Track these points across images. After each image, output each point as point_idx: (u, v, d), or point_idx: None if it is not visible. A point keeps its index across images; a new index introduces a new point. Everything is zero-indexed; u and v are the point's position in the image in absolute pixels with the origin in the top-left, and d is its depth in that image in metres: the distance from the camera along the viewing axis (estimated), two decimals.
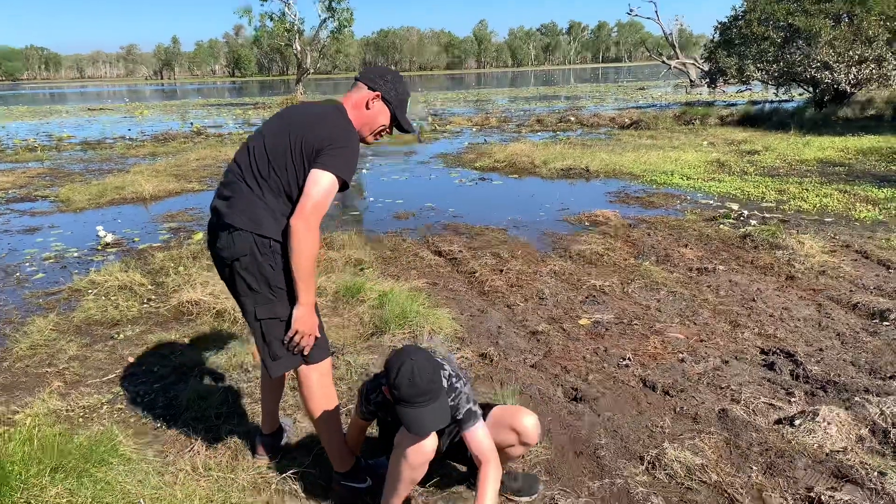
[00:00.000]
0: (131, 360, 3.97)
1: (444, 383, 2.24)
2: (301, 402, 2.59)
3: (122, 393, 3.55)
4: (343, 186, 2.35)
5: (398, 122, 2.53)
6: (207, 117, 27.45)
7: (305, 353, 2.42)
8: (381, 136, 2.56)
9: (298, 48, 39.45)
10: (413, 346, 2.22)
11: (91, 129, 22.58)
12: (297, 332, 2.36)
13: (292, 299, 2.36)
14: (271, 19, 40.07)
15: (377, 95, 2.44)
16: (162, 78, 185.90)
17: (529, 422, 2.39)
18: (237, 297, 2.46)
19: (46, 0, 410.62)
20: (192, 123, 23.58)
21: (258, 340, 2.45)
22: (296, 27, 39.39)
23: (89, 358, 4.01)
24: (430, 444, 2.17)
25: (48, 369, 3.86)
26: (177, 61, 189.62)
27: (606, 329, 4.25)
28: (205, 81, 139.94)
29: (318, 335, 2.44)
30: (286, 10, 39.39)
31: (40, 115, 31.63)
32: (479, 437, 2.29)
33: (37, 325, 4.43)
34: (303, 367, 2.47)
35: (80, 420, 3.24)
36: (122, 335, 4.33)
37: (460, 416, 2.29)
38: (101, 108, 36.09)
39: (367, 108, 2.44)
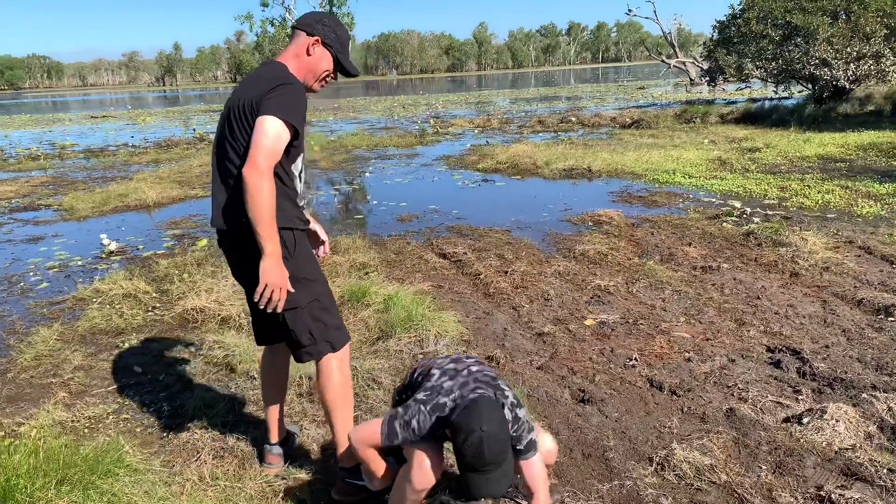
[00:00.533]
0: (137, 369, 3.97)
1: (508, 415, 2.13)
2: (318, 391, 2.58)
3: (127, 402, 3.55)
4: (294, 134, 2.27)
5: (342, 66, 2.48)
6: (210, 123, 27.48)
7: (279, 308, 2.30)
8: (327, 82, 2.51)
9: None
10: (485, 405, 2.04)
11: (94, 136, 22.64)
12: (266, 287, 2.23)
13: (306, 283, 2.40)
14: (272, 25, 40.31)
15: (316, 40, 2.40)
16: (164, 84, 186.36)
17: (551, 445, 2.39)
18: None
19: (48, 9, 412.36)
20: (194, 129, 23.63)
21: (283, 330, 2.49)
22: None
23: (94, 368, 4.01)
24: (435, 476, 2.15)
25: (53, 380, 3.86)
26: (179, 68, 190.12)
27: (612, 329, 4.24)
28: (207, 87, 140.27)
29: (290, 289, 2.32)
30: (287, 15, 39.55)
31: (43, 123, 31.71)
32: (537, 469, 2.23)
33: (41, 335, 4.43)
34: (325, 356, 2.49)
35: (86, 431, 3.24)
36: (127, 344, 4.33)
37: (521, 447, 2.19)
38: (103, 116, 36.17)
39: (308, 54, 2.41)
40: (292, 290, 2.33)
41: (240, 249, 2.40)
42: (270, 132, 2.18)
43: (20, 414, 3.43)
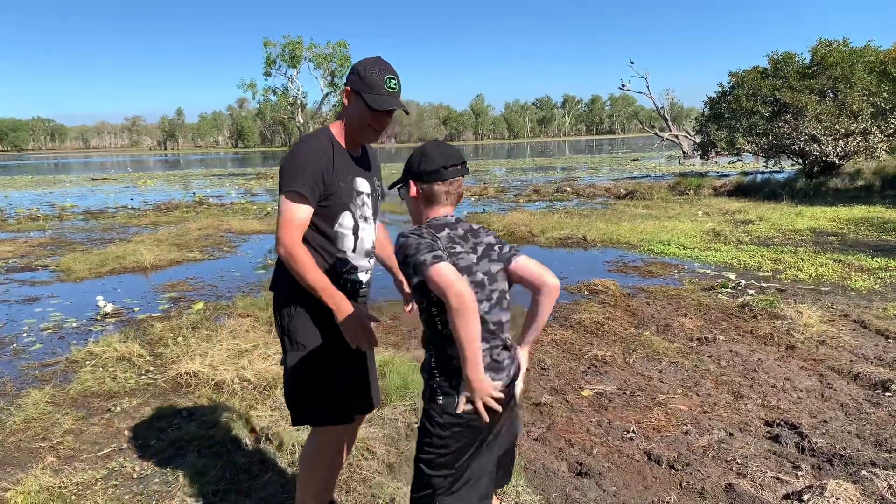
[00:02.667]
0: (128, 434, 3.91)
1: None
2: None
3: (117, 468, 3.48)
4: (310, 197, 2.28)
5: (370, 106, 2.32)
6: (210, 187, 27.82)
7: (366, 348, 2.41)
8: (377, 128, 2.41)
9: (301, 120, 40.48)
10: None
11: (94, 198, 22.85)
12: (351, 339, 2.36)
13: (299, 348, 2.43)
14: (275, 93, 41.26)
15: (348, 91, 2.38)
16: (165, 148, 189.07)
17: (553, 281, 2.21)
18: None
19: (53, 73, 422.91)
20: (194, 193, 23.90)
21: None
22: (298, 101, 40.48)
23: (85, 432, 3.95)
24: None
25: (42, 444, 3.79)
26: (180, 132, 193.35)
27: (609, 400, 4.22)
28: (208, 152, 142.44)
29: (370, 334, 2.40)
30: (289, 84, 40.63)
31: (44, 184, 32.03)
32: (532, 264, 2.15)
33: (32, 397, 4.38)
34: (314, 428, 2.51)
35: (73, 498, 3.17)
36: (118, 408, 4.28)
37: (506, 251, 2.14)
38: (104, 178, 36.59)
39: (347, 106, 2.40)
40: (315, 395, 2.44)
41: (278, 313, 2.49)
42: (282, 209, 2.29)
43: (6, 479, 3.36)
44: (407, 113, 2.42)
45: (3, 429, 4.00)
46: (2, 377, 4.97)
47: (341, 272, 2.45)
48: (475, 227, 2.14)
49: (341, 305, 2.30)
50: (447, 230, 2.04)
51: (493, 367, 2.02)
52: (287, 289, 2.40)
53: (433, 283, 1.84)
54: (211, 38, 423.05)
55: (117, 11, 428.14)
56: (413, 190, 2.09)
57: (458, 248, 2.01)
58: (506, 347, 2.09)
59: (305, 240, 2.34)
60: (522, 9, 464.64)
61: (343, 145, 2.43)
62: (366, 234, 2.49)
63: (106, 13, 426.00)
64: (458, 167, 2.09)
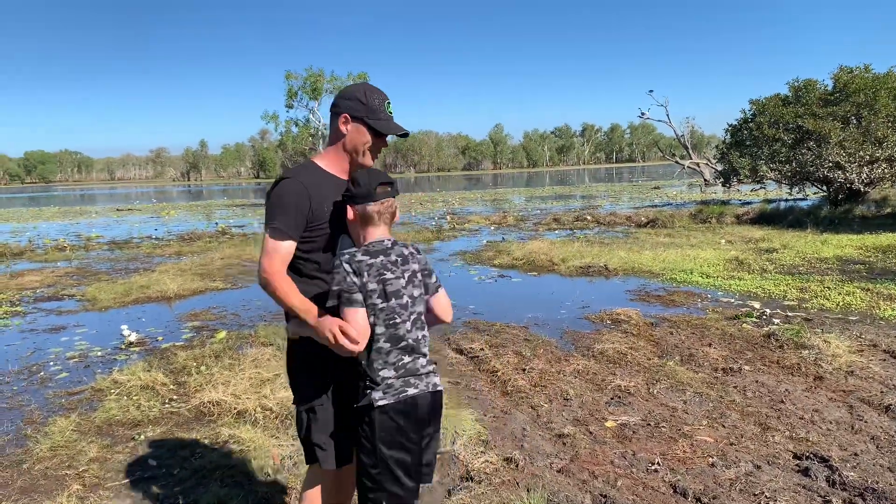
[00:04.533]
0: (152, 462, 3.93)
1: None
2: None
3: (140, 497, 3.50)
4: (283, 232, 2.31)
5: (375, 130, 2.39)
6: (232, 217, 28.19)
7: (347, 348, 2.26)
8: (376, 151, 2.46)
9: (322, 151, 40.94)
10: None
11: (119, 228, 23.24)
12: (327, 339, 2.25)
13: (300, 389, 2.46)
14: (296, 125, 41.82)
15: (345, 117, 2.39)
16: (189, 179, 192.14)
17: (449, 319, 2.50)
18: None
19: (81, 107, 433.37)
20: (217, 223, 24.21)
21: None
22: (320, 132, 41.02)
23: (109, 460, 3.98)
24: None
25: (68, 471, 3.83)
26: (204, 163, 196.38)
27: (634, 432, 4.16)
28: (230, 183, 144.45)
29: (343, 332, 2.23)
30: (311, 115, 41.18)
31: (71, 215, 32.67)
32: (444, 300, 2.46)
33: (58, 425, 4.43)
34: (314, 464, 2.47)
35: None
36: (143, 436, 4.31)
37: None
38: (129, 209, 37.26)
39: (344, 133, 2.40)
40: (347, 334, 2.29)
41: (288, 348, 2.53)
42: (265, 243, 2.34)
43: None
44: (407, 135, 2.47)
45: (30, 456, 4.04)
46: (29, 405, 5.04)
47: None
48: (406, 252, 2.37)
49: (311, 311, 2.29)
50: (381, 257, 2.29)
51: (413, 373, 2.28)
52: (291, 326, 2.44)
53: (343, 316, 2.23)
54: (234, 70, 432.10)
55: (143, 46, 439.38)
56: (350, 213, 2.34)
57: (389, 275, 2.27)
58: (426, 360, 2.35)
59: (297, 268, 2.39)
60: (541, 38, 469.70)
61: (332, 172, 2.44)
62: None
63: (132, 48, 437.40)
64: (388, 188, 2.34)
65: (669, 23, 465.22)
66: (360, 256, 2.26)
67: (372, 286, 2.22)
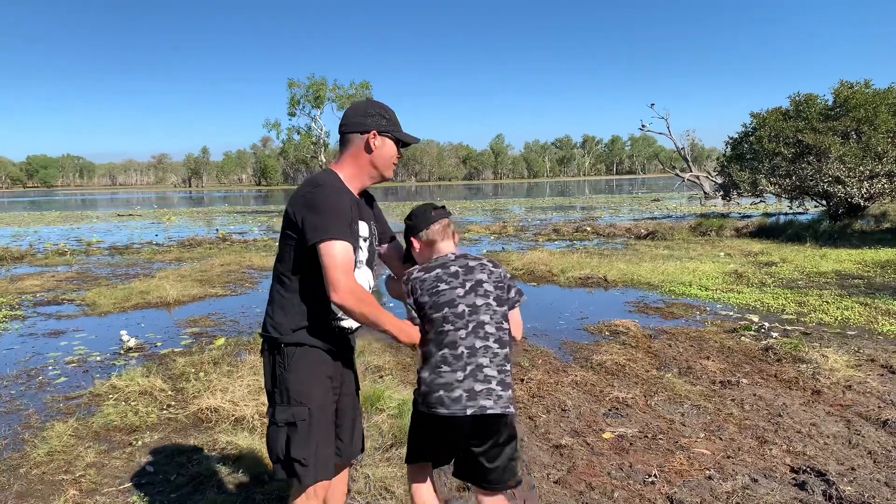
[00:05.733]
0: (149, 468, 3.93)
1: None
2: None
3: (137, 503, 3.49)
4: (345, 241, 2.27)
5: (403, 143, 2.53)
6: (233, 224, 28.23)
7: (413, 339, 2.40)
8: (396, 163, 2.55)
9: (323, 160, 41.10)
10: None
11: (120, 234, 23.26)
12: (406, 336, 2.40)
13: (293, 403, 2.34)
14: (298, 133, 42.02)
15: (374, 134, 2.43)
16: (190, 185, 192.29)
17: (518, 336, 2.57)
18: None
19: (84, 113, 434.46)
20: (217, 230, 24.25)
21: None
22: (321, 140, 41.17)
23: (106, 465, 3.98)
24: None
25: (64, 476, 3.83)
26: (205, 170, 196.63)
27: (631, 443, 4.16)
28: (231, 189, 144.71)
29: (417, 337, 2.41)
30: (313, 124, 41.38)
31: (72, 220, 32.70)
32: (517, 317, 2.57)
33: (56, 430, 4.43)
34: (297, 485, 2.39)
35: None
36: (140, 442, 4.31)
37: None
38: (130, 214, 37.30)
39: (371, 150, 2.43)
40: (310, 455, 2.34)
41: (270, 359, 2.42)
42: (333, 255, 2.22)
43: None
44: (417, 141, 2.61)
45: (27, 461, 4.04)
46: (27, 409, 5.04)
47: (334, 316, 2.38)
48: (473, 264, 2.46)
49: (393, 321, 2.36)
50: (438, 270, 2.42)
51: (465, 386, 2.31)
52: (288, 334, 2.35)
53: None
54: (237, 77, 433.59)
55: (147, 52, 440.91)
56: (416, 245, 2.54)
57: (442, 286, 2.38)
58: (491, 372, 2.35)
59: (308, 285, 2.34)
60: (543, 49, 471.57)
61: (349, 188, 2.44)
62: (361, 279, 2.39)
63: (136, 54, 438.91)
64: (441, 210, 2.57)
65: (672, 36, 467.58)
66: (415, 274, 2.45)
67: (423, 299, 2.39)
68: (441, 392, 2.27)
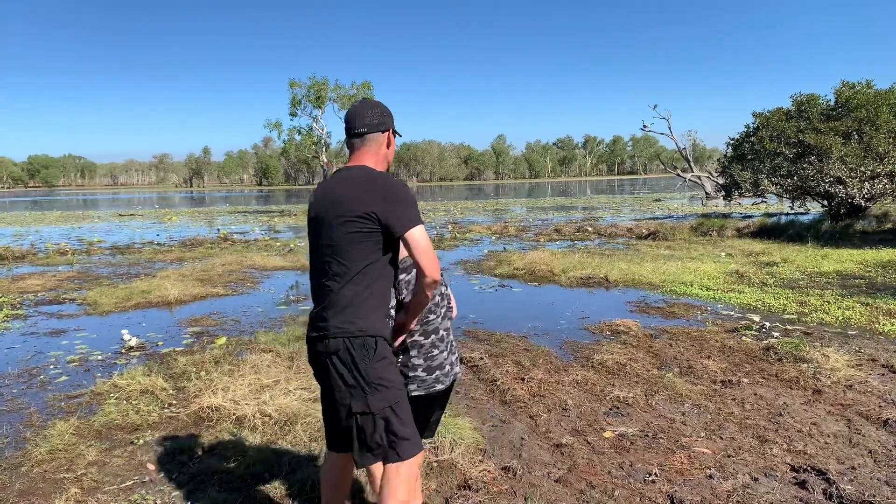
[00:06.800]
0: (150, 466, 3.94)
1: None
2: (380, 500, 2.54)
3: (138, 501, 3.50)
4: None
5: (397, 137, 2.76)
6: (234, 224, 28.24)
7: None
8: None
9: (325, 160, 41.11)
10: None
11: (121, 233, 23.29)
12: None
13: (382, 388, 2.46)
14: (300, 133, 41.99)
15: (389, 131, 2.65)
16: (192, 185, 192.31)
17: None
18: (330, 392, 2.53)
19: (86, 113, 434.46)
20: (219, 230, 24.26)
21: (351, 434, 2.50)
22: (323, 140, 41.18)
23: (108, 464, 3.99)
24: None
25: (66, 475, 3.83)
26: (207, 170, 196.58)
27: (632, 442, 4.17)
28: (233, 189, 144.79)
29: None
30: (314, 124, 41.39)
31: (73, 220, 32.74)
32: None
33: (57, 428, 4.44)
34: (392, 466, 2.48)
35: None
36: (141, 440, 4.32)
37: None
38: (131, 214, 37.34)
39: (388, 146, 2.66)
40: (409, 430, 2.51)
41: (346, 358, 2.46)
42: (426, 237, 2.42)
43: None
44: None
45: (28, 459, 4.05)
46: (28, 408, 5.05)
47: (393, 306, 2.62)
48: None
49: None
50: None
51: None
52: (371, 328, 2.45)
53: None
54: (237, 77, 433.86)
55: (149, 52, 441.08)
56: None
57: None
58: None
59: (376, 279, 2.46)
60: (544, 50, 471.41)
61: None
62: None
63: (137, 54, 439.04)
64: None
65: (673, 37, 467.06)
66: None
67: None
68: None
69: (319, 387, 2.66)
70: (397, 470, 2.48)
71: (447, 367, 2.77)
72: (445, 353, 2.77)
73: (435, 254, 2.43)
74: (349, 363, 2.43)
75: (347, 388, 2.44)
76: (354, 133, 2.58)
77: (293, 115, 42.24)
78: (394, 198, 2.41)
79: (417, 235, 2.38)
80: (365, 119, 2.59)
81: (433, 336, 2.73)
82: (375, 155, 2.60)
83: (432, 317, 2.72)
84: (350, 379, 2.44)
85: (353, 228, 2.40)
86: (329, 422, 2.67)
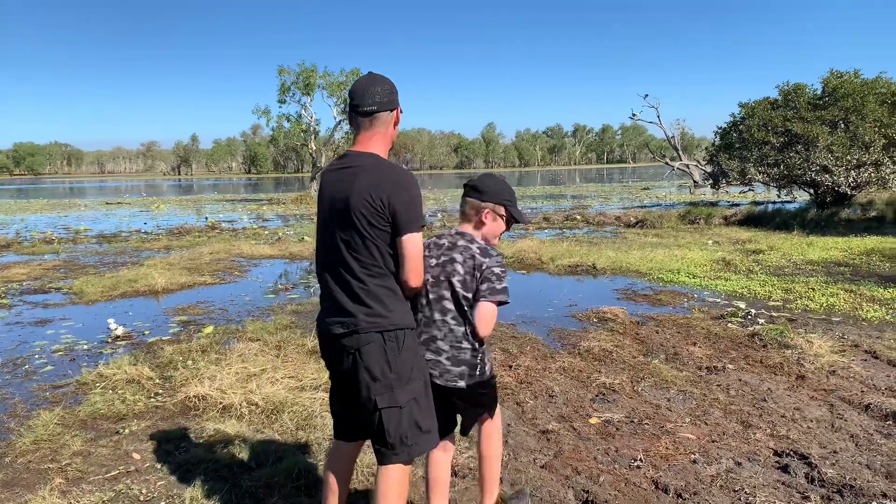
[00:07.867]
0: (136, 456, 3.93)
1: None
2: (378, 495, 2.50)
3: (124, 491, 3.49)
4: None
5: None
6: (222, 212, 28.08)
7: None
8: None
9: (314, 147, 40.80)
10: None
11: (108, 222, 23.10)
12: None
13: (408, 381, 2.43)
14: (288, 120, 41.64)
15: (398, 109, 2.51)
16: (179, 173, 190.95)
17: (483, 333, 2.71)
18: (350, 386, 2.48)
19: (72, 101, 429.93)
20: (206, 218, 24.13)
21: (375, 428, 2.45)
22: (312, 128, 40.88)
23: (93, 454, 3.97)
24: None
25: (51, 465, 3.81)
26: (195, 158, 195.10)
27: (617, 428, 4.20)
28: (221, 177, 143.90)
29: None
30: (303, 111, 41.05)
31: (59, 208, 32.44)
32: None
33: (42, 418, 4.41)
34: (396, 464, 2.46)
35: None
36: (127, 430, 4.30)
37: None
38: (118, 202, 37.04)
39: (395, 125, 2.54)
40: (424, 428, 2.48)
41: (377, 352, 2.41)
42: (420, 244, 2.42)
43: (15, 500, 3.38)
44: None
45: (12, 449, 4.03)
46: (13, 398, 5.01)
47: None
48: (458, 242, 2.67)
49: None
50: (435, 239, 2.73)
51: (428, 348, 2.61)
52: (398, 319, 2.41)
53: None
54: (226, 65, 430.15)
55: (135, 39, 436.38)
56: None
57: (426, 252, 2.61)
58: (441, 345, 2.60)
59: (394, 268, 2.42)
60: (534, 38, 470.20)
61: None
62: None
63: (124, 40, 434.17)
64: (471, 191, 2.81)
65: (662, 25, 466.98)
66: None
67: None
68: (427, 352, 2.62)
69: (331, 381, 2.61)
70: (396, 467, 2.47)
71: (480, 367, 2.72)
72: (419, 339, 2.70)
73: (423, 263, 2.43)
74: (380, 357, 2.38)
75: (375, 382, 2.38)
76: (363, 112, 2.42)
77: (282, 102, 41.82)
78: (406, 197, 2.34)
79: (415, 241, 2.37)
80: (375, 96, 2.43)
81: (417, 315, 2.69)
82: (384, 135, 2.48)
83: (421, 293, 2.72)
84: (378, 373, 2.38)
85: (373, 221, 2.33)
86: (343, 415, 2.62)
